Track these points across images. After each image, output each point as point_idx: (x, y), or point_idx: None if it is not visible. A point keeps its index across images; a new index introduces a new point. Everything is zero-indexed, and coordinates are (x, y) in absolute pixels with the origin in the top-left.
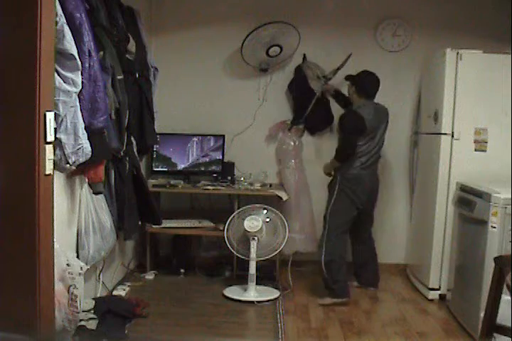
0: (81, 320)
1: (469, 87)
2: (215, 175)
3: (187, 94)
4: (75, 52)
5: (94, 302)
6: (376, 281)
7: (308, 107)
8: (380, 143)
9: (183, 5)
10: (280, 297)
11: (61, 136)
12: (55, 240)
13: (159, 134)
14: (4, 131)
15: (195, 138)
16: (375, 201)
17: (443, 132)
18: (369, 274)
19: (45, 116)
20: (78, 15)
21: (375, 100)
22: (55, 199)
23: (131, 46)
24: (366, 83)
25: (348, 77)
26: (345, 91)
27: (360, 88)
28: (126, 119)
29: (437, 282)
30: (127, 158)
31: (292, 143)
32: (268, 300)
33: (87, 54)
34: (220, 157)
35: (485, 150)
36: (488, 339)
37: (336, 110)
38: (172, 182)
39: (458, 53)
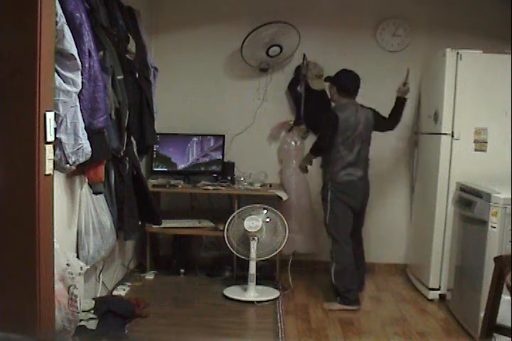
0: (81, 320)
1: (469, 87)
2: (215, 175)
3: (187, 94)
4: (75, 52)
5: (94, 302)
6: (362, 285)
7: (306, 107)
8: (365, 146)
9: (183, 5)
10: (280, 297)
11: (61, 136)
12: (55, 240)
13: (159, 134)
14: (4, 131)
15: (195, 138)
16: (366, 204)
17: (443, 132)
18: (357, 278)
19: (45, 116)
20: (78, 15)
21: (374, 101)
22: (55, 199)
23: (131, 46)
24: (345, 82)
25: (327, 78)
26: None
27: (340, 87)
28: (126, 119)
29: (437, 282)
30: (127, 158)
31: (294, 143)
32: (268, 300)
33: (87, 54)
34: (220, 157)
35: (485, 150)
36: (488, 339)
37: None
38: (172, 182)
39: (458, 53)
